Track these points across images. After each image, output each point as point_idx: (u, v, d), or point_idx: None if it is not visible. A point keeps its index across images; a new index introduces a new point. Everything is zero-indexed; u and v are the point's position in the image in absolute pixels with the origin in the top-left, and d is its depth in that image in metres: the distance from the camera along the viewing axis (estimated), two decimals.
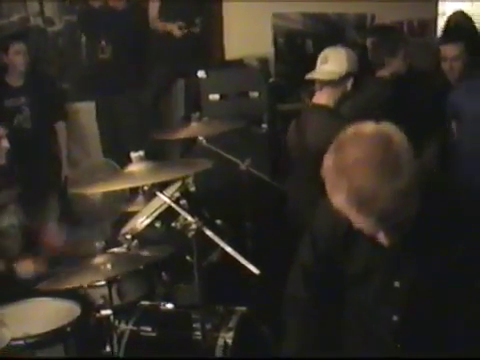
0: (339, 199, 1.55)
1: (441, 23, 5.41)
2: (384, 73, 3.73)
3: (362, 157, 1.52)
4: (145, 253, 2.59)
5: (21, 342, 2.27)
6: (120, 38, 4.64)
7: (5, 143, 3.06)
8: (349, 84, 2.98)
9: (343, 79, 2.96)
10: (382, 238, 1.63)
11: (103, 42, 4.64)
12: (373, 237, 1.65)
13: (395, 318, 1.79)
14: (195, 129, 3.10)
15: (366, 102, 3.36)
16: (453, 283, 1.71)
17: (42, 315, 2.51)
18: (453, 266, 1.69)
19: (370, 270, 1.79)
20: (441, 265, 1.70)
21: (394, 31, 4.47)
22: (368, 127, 1.57)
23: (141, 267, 2.64)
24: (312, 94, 3.10)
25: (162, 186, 2.46)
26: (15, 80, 4.36)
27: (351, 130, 1.59)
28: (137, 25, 4.75)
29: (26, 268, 2.88)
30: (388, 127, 1.57)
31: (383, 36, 4.05)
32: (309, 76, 3.05)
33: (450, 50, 3.56)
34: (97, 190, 2.69)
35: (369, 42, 4.23)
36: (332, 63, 2.97)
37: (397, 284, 1.76)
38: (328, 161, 1.58)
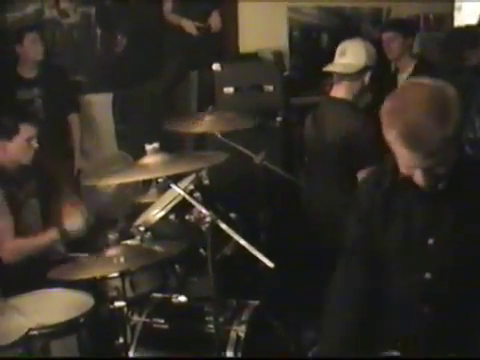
0: (393, 134, 1.72)
1: (457, 18, 5.38)
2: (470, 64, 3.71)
3: (419, 99, 1.71)
4: (158, 247, 2.59)
5: (35, 332, 2.27)
6: (135, 31, 4.63)
7: (34, 143, 3.07)
8: (367, 77, 2.96)
9: (361, 72, 2.94)
10: (418, 178, 1.76)
11: (119, 36, 4.63)
12: (410, 180, 1.79)
13: (428, 275, 1.86)
14: (209, 123, 3.09)
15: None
16: None
17: (56, 306, 2.51)
18: None
19: (406, 229, 1.89)
20: (476, 226, 1.80)
21: (410, 25, 4.46)
22: (427, 80, 1.78)
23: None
24: (332, 86, 3.08)
25: (176, 179, 2.46)
26: (28, 71, 4.36)
27: (412, 80, 1.88)
28: (152, 18, 4.74)
29: (75, 217, 2.91)
30: (444, 83, 1.76)
31: (401, 30, 4.04)
32: (326, 69, 3.03)
33: None
34: (111, 182, 2.68)
35: (385, 36, 4.23)
36: (350, 56, 2.95)
37: (431, 241, 1.85)
38: (387, 103, 1.77)
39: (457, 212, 1.83)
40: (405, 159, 1.75)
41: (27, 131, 3.04)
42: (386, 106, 1.77)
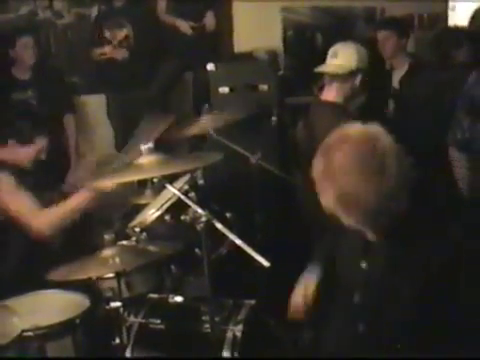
0: (327, 200, 1.65)
1: (451, 17, 5.39)
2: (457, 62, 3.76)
3: (347, 163, 1.60)
4: (154, 248, 2.59)
5: (30, 333, 2.27)
6: (132, 32, 4.61)
7: (44, 155, 3.07)
8: (358, 80, 2.97)
9: (352, 74, 2.96)
10: (370, 235, 1.73)
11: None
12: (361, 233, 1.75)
13: (356, 298, 1.85)
14: (206, 123, 3.09)
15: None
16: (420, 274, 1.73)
17: (51, 307, 2.51)
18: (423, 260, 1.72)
19: (344, 252, 1.93)
20: (410, 258, 1.74)
21: (405, 24, 4.48)
22: (354, 130, 1.65)
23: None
24: (322, 87, 3.09)
25: (171, 179, 2.46)
26: (22, 73, 4.36)
27: (337, 134, 1.68)
28: (147, 21, 4.72)
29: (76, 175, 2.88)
30: (375, 129, 1.65)
31: (395, 29, 4.08)
32: (318, 69, 3.05)
33: None
34: (106, 182, 2.68)
35: (380, 35, 4.24)
36: (341, 58, 2.96)
37: (364, 265, 1.83)
38: (317, 165, 1.68)
39: (391, 245, 1.76)
40: (345, 221, 1.68)
41: (41, 144, 3.04)
42: (315, 170, 1.68)
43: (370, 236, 1.74)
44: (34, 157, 3.04)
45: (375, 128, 1.64)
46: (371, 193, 1.57)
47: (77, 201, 2.81)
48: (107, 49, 4.57)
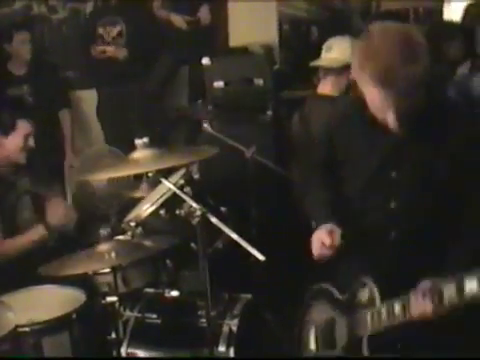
0: (365, 76, 1.85)
1: (447, 11, 5.39)
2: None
3: (388, 43, 1.83)
4: (149, 242, 2.59)
5: (26, 329, 2.27)
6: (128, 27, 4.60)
7: (31, 142, 3.03)
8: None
9: (346, 67, 2.96)
10: (391, 119, 1.86)
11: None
12: (382, 121, 1.90)
13: (392, 205, 1.98)
14: None
15: None
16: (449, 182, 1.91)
17: (47, 302, 2.51)
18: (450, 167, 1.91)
19: (369, 162, 2.01)
20: (436, 161, 1.92)
21: (400, 18, 4.49)
22: (393, 24, 1.93)
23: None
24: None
25: (166, 173, 2.46)
26: (18, 68, 4.35)
27: (380, 24, 1.93)
28: (141, 19, 4.70)
29: (56, 210, 2.88)
30: (410, 26, 1.95)
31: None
32: (313, 63, 3.07)
33: None
34: (101, 177, 2.68)
35: None
36: (336, 51, 3.01)
37: (394, 174, 1.97)
38: (358, 46, 1.90)
39: (419, 148, 1.94)
40: (378, 99, 1.85)
41: (24, 128, 2.99)
42: (356, 49, 1.90)
43: (391, 123, 1.87)
44: (22, 144, 2.97)
45: (410, 26, 1.97)
46: (404, 70, 1.78)
47: (31, 237, 2.86)
48: (108, 48, 4.55)
